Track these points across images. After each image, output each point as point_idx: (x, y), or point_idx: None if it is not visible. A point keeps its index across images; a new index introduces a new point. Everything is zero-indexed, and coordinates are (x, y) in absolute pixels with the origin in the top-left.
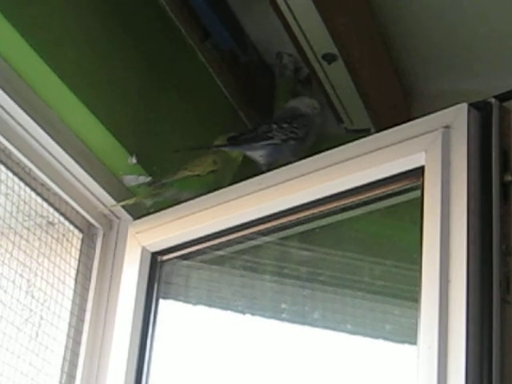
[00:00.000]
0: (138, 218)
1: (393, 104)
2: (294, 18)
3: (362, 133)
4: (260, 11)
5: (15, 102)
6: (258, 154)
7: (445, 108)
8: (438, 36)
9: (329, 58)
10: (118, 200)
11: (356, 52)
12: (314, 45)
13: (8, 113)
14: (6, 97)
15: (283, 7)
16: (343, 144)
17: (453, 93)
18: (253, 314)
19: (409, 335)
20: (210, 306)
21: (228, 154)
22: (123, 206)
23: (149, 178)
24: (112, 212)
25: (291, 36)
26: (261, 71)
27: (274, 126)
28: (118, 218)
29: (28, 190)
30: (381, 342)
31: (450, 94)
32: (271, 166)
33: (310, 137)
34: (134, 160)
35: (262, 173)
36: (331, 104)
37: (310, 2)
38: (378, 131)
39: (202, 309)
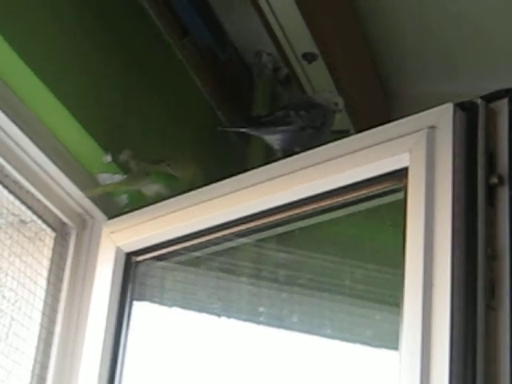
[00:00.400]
0: (113, 217)
1: (373, 105)
2: (275, 15)
3: (341, 133)
4: (239, 9)
5: None
6: (274, 138)
7: (426, 110)
8: (419, 37)
9: (309, 58)
10: (91, 198)
11: (337, 52)
12: (294, 44)
13: None
14: None
15: (263, 5)
16: (323, 144)
17: (434, 95)
18: (229, 317)
19: (390, 340)
20: (185, 308)
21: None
22: (97, 205)
23: (124, 177)
24: (86, 211)
25: (271, 34)
26: (239, 70)
27: (292, 113)
28: (91, 216)
29: (0, 187)
30: (361, 347)
31: (430, 96)
32: (286, 153)
33: (326, 128)
34: (109, 158)
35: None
36: None
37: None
38: (357, 132)
39: (177, 311)
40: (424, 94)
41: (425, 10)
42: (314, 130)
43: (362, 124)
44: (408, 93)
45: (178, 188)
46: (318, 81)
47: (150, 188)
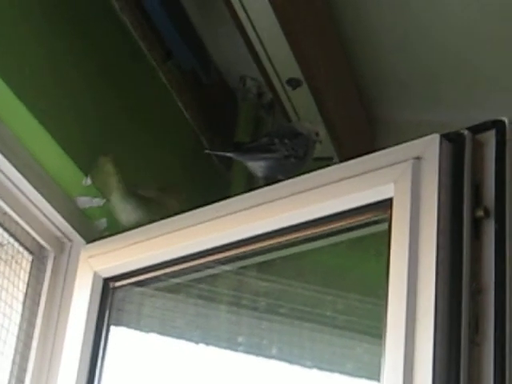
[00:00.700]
0: (92, 241)
1: (357, 132)
2: (260, 40)
3: (325, 161)
4: (224, 32)
5: None
6: (258, 165)
7: (410, 138)
8: (404, 65)
9: (293, 83)
10: (71, 223)
11: (322, 78)
12: (279, 69)
13: None
14: None
15: (249, 29)
16: (307, 172)
17: (418, 122)
18: (208, 344)
19: (371, 371)
20: (163, 334)
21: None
22: (76, 228)
23: (103, 200)
24: (64, 234)
25: (255, 59)
26: (223, 94)
27: (277, 141)
28: (70, 240)
29: None
30: (342, 378)
31: (415, 124)
32: (268, 181)
33: (308, 158)
34: (88, 181)
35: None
36: None
37: (276, 25)
38: (340, 159)
39: (154, 337)
40: (408, 122)
41: (410, 38)
42: (297, 160)
43: (346, 151)
44: (392, 120)
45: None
46: (302, 107)
47: (131, 213)
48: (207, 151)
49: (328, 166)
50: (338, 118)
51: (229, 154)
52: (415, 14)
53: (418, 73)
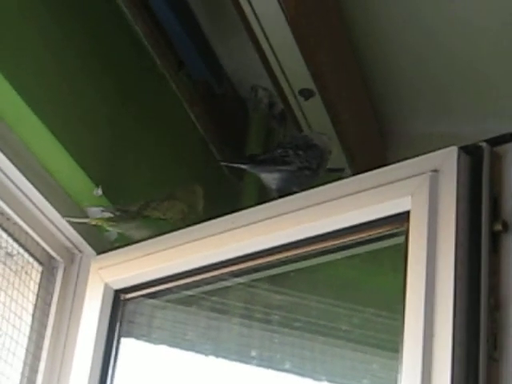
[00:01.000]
0: (102, 252)
1: (369, 143)
2: (273, 50)
3: (336, 172)
4: (236, 42)
5: None
6: (272, 177)
7: (422, 150)
8: (417, 77)
9: (306, 94)
10: (80, 232)
11: (335, 89)
12: (292, 79)
13: None
14: None
15: (261, 39)
16: (321, 184)
17: (430, 135)
18: (219, 357)
19: None
20: (174, 347)
21: (193, 206)
22: (86, 239)
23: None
24: (74, 245)
25: (268, 69)
26: (234, 104)
27: (291, 152)
28: (80, 251)
29: None
30: None
31: (427, 136)
32: (281, 193)
33: (321, 170)
34: (99, 191)
35: (234, 210)
36: None
37: (290, 35)
38: (353, 171)
39: (165, 349)
40: (421, 134)
41: (424, 49)
42: (310, 171)
43: (358, 162)
44: (404, 132)
45: (168, 227)
46: (315, 118)
47: (134, 232)
48: (223, 163)
49: (340, 177)
50: (350, 129)
51: (243, 167)
52: (428, 25)
53: (432, 84)
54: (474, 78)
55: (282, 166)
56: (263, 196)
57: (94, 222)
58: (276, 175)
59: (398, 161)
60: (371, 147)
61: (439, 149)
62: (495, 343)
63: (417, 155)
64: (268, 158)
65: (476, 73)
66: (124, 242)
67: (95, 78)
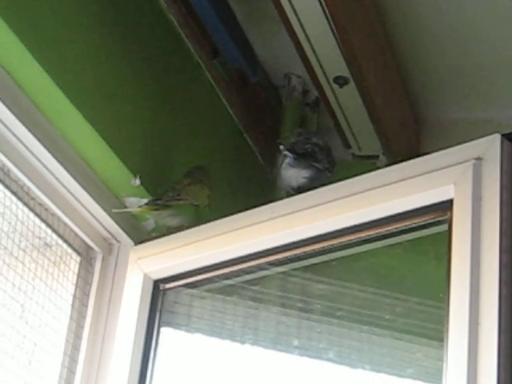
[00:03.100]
0: (140, 242)
1: (403, 130)
2: (307, 37)
3: (370, 159)
4: (269, 29)
5: (16, 116)
6: (301, 175)
7: (457, 137)
8: (453, 64)
9: (340, 82)
10: (119, 223)
11: (370, 76)
12: (326, 67)
13: (8, 128)
14: (7, 111)
15: (296, 27)
16: (351, 171)
17: (464, 122)
18: (261, 347)
19: (432, 375)
20: (215, 336)
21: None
22: (124, 229)
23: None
24: (112, 235)
25: (302, 57)
26: (268, 92)
27: (317, 149)
28: (117, 241)
29: (26, 209)
30: (402, 381)
31: (462, 123)
32: (300, 191)
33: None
34: (137, 181)
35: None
36: (339, 129)
37: (324, 22)
38: (388, 158)
39: (205, 339)
40: (455, 120)
41: (463, 33)
42: (330, 174)
43: (393, 149)
44: (439, 118)
45: (198, 213)
46: (349, 105)
47: (170, 220)
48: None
49: (374, 164)
50: (385, 116)
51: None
52: (466, 10)
53: (467, 71)
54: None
55: (315, 162)
56: None
57: (134, 212)
58: (305, 172)
59: (438, 149)
60: (406, 134)
61: (479, 136)
62: None
63: (452, 142)
64: (305, 153)
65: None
66: (161, 231)
67: (132, 69)
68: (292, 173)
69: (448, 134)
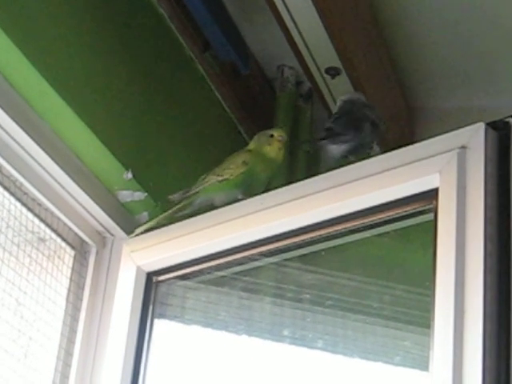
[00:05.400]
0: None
1: (397, 120)
2: (298, 30)
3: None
4: (261, 22)
5: (6, 112)
6: (340, 149)
7: (450, 126)
8: (445, 52)
9: (332, 73)
10: (112, 217)
11: (361, 67)
12: (318, 58)
13: None
14: None
15: (286, 19)
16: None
17: (458, 110)
18: (251, 336)
19: (419, 362)
20: (207, 327)
21: (263, 154)
22: (118, 223)
23: (145, 194)
24: (106, 229)
25: (294, 48)
26: (261, 84)
27: (363, 123)
28: (111, 234)
29: (18, 204)
30: (390, 368)
31: (455, 112)
32: (333, 166)
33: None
34: (129, 175)
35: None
36: None
37: (314, 13)
38: (381, 148)
39: (198, 330)
40: (450, 109)
41: (456, 22)
42: (370, 150)
43: (387, 139)
44: (434, 107)
45: (237, 183)
46: (342, 96)
47: (208, 202)
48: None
49: (369, 154)
50: (377, 106)
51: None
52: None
53: (460, 60)
54: (505, 51)
55: (356, 138)
56: (292, 177)
57: (164, 218)
58: (343, 147)
59: (427, 138)
60: (400, 124)
61: (467, 125)
62: None
63: (446, 131)
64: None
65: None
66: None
67: (122, 62)
68: (331, 150)
69: (442, 122)
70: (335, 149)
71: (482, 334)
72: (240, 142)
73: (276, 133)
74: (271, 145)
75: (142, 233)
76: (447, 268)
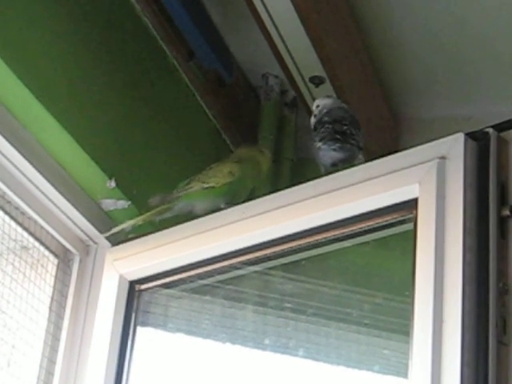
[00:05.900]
0: (117, 244)
1: (381, 128)
2: (282, 38)
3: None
4: (245, 31)
5: None
6: (337, 156)
7: (435, 135)
8: (429, 61)
9: (316, 81)
10: (95, 225)
11: (344, 75)
12: (302, 67)
13: None
14: None
15: (270, 28)
16: (331, 173)
17: (443, 117)
18: (234, 344)
19: (399, 369)
20: (190, 335)
21: (251, 164)
22: (101, 231)
23: (128, 203)
24: (89, 237)
25: (278, 57)
26: (246, 93)
27: (353, 129)
28: (95, 243)
29: (1, 213)
30: (370, 376)
31: (440, 119)
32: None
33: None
34: (112, 184)
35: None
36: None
37: (298, 22)
38: (364, 157)
39: (182, 338)
40: (433, 117)
41: (438, 31)
42: (361, 154)
43: (370, 149)
44: (416, 115)
45: (222, 192)
46: None
47: (188, 208)
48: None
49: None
50: (361, 116)
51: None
52: (439, 7)
53: (445, 69)
54: (489, 60)
55: (350, 143)
56: (275, 185)
57: (145, 219)
58: (345, 153)
59: (410, 147)
60: (383, 133)
61: (449, 135)
62: (504, 328)
63: (429, 140)
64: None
65: (491, 55)
66: (138, 233)
67: (106, 71)
68: (334, 156)
69: (426, 132)
70: (328, 156)
71: (461, 342)
72: (224, 151)
73: (265, 150)
74: (264, 158)
75: (117, 233)
76: (426, 277)
